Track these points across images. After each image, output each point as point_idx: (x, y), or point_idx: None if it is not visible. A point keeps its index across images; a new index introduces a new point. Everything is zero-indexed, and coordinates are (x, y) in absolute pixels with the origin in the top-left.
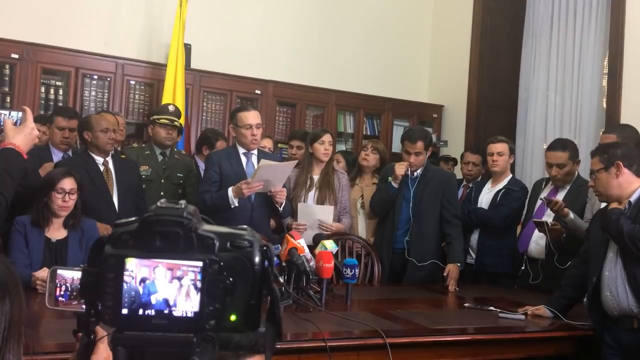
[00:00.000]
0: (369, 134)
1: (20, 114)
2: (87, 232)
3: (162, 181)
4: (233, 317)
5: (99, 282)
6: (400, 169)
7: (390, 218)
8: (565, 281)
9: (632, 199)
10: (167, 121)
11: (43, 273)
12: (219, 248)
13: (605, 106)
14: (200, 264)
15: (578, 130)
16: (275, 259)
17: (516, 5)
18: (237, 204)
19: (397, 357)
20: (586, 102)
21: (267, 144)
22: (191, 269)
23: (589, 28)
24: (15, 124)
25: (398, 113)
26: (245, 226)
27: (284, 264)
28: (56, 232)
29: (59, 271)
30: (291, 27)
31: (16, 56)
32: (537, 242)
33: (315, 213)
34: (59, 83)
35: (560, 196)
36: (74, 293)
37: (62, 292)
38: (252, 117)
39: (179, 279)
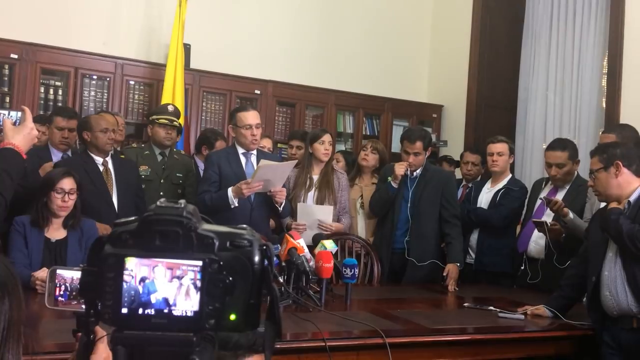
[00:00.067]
0: (368, 134)
1: (19, 113)
2: (87, 232)
3: (162, 181)
4: (233, 317)
5: (98, 281)
6: (399, 169)
7: (389, 218)
8: (564, 281)
9: (632, 198)
10: (166, 121)
11: (42, 273)
12: (219, 247)
13: (604, 106)
14: (199, 263)
15: (577, 130)
16: (274, 258)
17: (516, 6)
18: (236, 204)
19: (396, 357)
20: (585, 102)
21: (267, 143)
22: (191, 268)
23: (588, 28)
24: (14, 123)
25: (397, 113)
26: (244, 225)
27: (283, 263)
28: (56, 232)
29: (58, 271)
30: (291, 27)
31: (15, 56)
32: (537, 241)
33: (315, 213)
34: (58, 83)
35: (559, 196)
36: (74, 293)
37: (61, 292)
38: (251, 117)
39: (179, 278)
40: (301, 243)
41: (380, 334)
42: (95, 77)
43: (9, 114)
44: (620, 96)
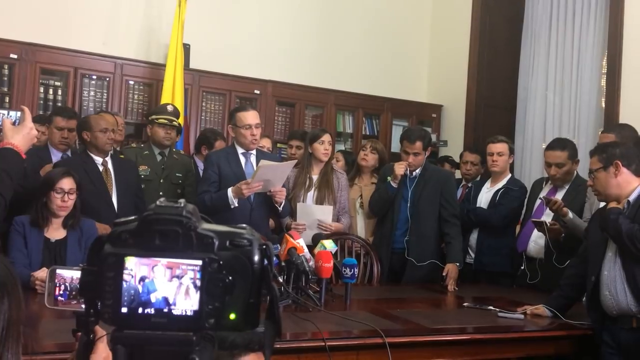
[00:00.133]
0: (368, 133)
1: (18, 113)
2: (86, 232)
3: (161, 181)
4: (232, 316)
5: (98, 281)
6: (399, 168)
7: (389, 218)
8: (564, 281)
9: (631, 198)
10: (165, 121)
11: (42, 273)
12: (218, 247)
13: (604, 106)
14: (199, 262)
15: (577, 130)
16: (274, 258)
17: (515, 5)
18: (236, 204)
19: (396, 357)
20: (585, 102)
21: (266, 143)
22: (190, 268)
23: (587, 28)
24: (13, 123)
25: (397, 113)
26: (244, 225)
27: (283, 263)
28: (55, 232)
29: (58, 271)
30: (290, 27)
31: (15, 56)
32: (536, 241)
33: (315, 213)
34: (57, 83)
35: (559, 196)
36: (73, 292)
37: (61, 292)
38: (251, 117)
39: (179, 277)
40: (301, 243)
41: (379, 334)
42: (94, 77)
43: (8, 114)
44: (620, 96)
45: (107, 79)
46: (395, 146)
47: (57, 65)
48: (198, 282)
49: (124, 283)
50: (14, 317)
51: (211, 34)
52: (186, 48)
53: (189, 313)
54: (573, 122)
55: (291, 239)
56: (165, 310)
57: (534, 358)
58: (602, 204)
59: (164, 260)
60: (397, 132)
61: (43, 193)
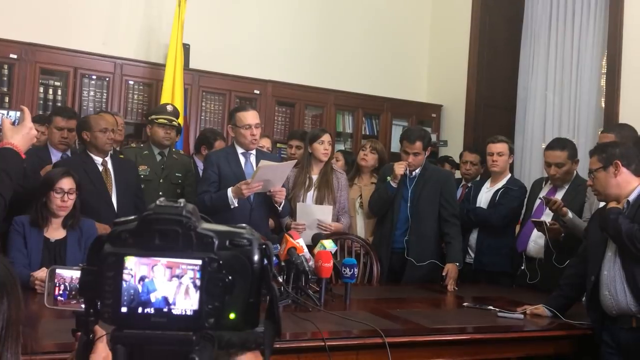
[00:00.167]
0: (367, 133)
1: (18, 113)
2: (86, 232)
3: (161, 181)
4: (232, 316)
5: (98, 280)
6: (399, 168)
7: (389, 218)
8: (563, 280)
9: (631, 198)
10: (165, 121)
11: (42, 273)
12: (218, 246)
13: (603, 106)
14: (199, 262)
15: (577, 130)
16: (274, 258)
17: (515, 5)
18: (236, 205)
19: (396, 357)
20: (584, 102)
21: (265, 143)
22: (190, 268)
23: (587, 28)
24: (13, 123)
25: (397, 113)
26: (244, 225)
27: (282, 263)
28: (55, 232)
29: (57, 270)
30: (290, 27)
31: (14, 56)
32: (536, 241)
33: (314, 213)
34: (57, 83)
35: (559, 195)
36: (73, 292)
37: (60, 292)
38: (251, 117)
39: (178, 277)
40: (300, 243)
41: (379, 334)
42: (94, 77)
43: (7, 114)
44: (619, 96)
45: (107, 79)
46: (395, 146)
47: (56, 65)
48: (198, 282)
49: (123, 283)
50: (14, 317)
51: (211, 34)
52: (186, 48)
53: (188, 313)
54: (573, 122)
55: (291, 239)
56: (165, 309)
57: (533, 358)
58: (602, 204)
59: (164, 260)
60: (396, 132)
61: (43, 193)
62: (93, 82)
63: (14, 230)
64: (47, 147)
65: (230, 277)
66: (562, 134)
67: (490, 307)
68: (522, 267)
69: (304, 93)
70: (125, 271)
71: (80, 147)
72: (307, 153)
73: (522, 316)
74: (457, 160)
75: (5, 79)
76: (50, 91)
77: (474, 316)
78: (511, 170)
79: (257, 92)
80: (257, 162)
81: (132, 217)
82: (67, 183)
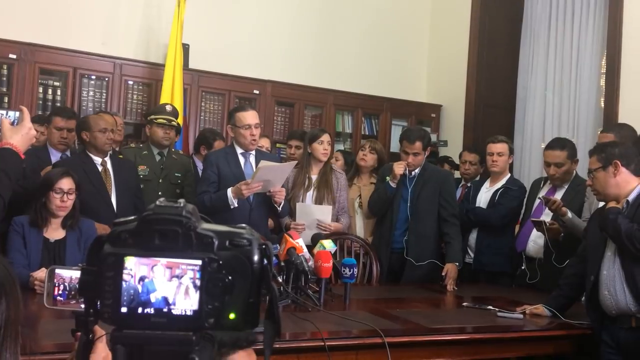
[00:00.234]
0: (367, 133)
1: (17, 113)
2: (86, 232)
3: (160, 181)
4: (232, 316)
5: (98, 280)
6: (398, 168)
7: (388, 218)
8: (563, 280)
9: (630, 198)
10: (164, 121)
11: (41, 273)
12: (218, 247)
13: (603, 105)
14: (199, 262)
15: (576, 130)
16: (274, 258)
17: (514, 5)
18: (236, 205)
19: (395, 357)
20: (584, 102)
21: (265, 143)
22: (190, 268)
23: (586, 28)
24: (12, 123)
25: (396, 113)
26: (244, 225)
27: (282, 263)
28: (54, 232)
29: (57, 270)
30: (289, 27)
31: (14, 56)
32: (536, 241)
33: (314, 213)
34: (56, 83)
35: (558, 195)
36: (72, 292)
37: (60, 292)
38: (250, 117)
39: (178, 277)
40: (300, 243)
41: (379, 334)
42: (93, 77)
43: (7, 114)
44: (619, 95)
45: (106, 79)
46: (395, 146)
47: (56, 65)
48: (198, 282)
49: (123, 283)
50: (12, 317)
51: (210, 34)
52: (185, 48)
53: (188, 313)
54: (572, 122)
55: (290, 239)
56: (165, 310)
57: (533, 358)
58: (601, 204)
59: (164, 260)
60: (396, 132)
61: (42, 193)
62: (92, 82)
63: (13, 231)
64: (46, 147)
65: (230, 277)
66: (562, 133)
67: (490, 307)
68: (523, 267)
69: (304, 93)
70: (125, 271)
71: (79, 147)
72: (306, 153)
73: (521, 316)
74: (456, 160)
75: (5, 79)
76: (50, 91)
77: (474, 316)
78: (510, 170)
79: (256, 92)
80: (257, 162)
81: (132, 217)
82: (66, 183)
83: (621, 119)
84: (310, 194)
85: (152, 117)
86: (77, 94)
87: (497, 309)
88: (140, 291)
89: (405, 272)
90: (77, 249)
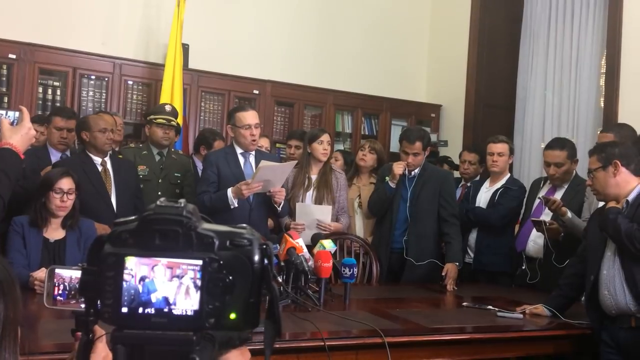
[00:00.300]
0: (367, 133)
1: (17, 113)
2: (85, 232)
3: (160, 181)
4: (233, 316)
5: (98, 280)
6: (397, 168)
7: (388, 218)
8: (563, 280)
9: (630, 197)
10: (163, 121)
11: (41, 273)
12: (219, 246)
13: (602, 105)
14: (199, 262)
15: (576, 130)
16: (274, 258)
17: (514, 5)
18: (236, 205)
19: (395, 356)
20: (584, 102)
21: (264, 143)
22: (191, 268)
23: (586, 28)
24: (12, 123)
25: (396, 113)
26: (244, 225)
27: (282, 263)
28: (54, 232)
29: (57, 270)
30: (289, 27)
31: (13, 56)
32: (535, 241)
33: (314, 213)
34: (56, 83)
35: (558, 195)
36: (72, 292)
37: (60, 291)
38: (250, 117)
39: (179, 277)
40: (300, 243)
41: (379, 334)
42: (93, 77)
43: (6, 114)
44: (619, 95)
45: (106, 79)
46: (395, 146)
47: (55, 65)
48: (198, 282)
49: (124, 283)
50: (11, 317)
51: (210, 33)
52: (185, 48)
53: (189, 313)
54: (572, 122)
55: (290, 239)
56: (166, 310)
57: (533, 357)
58: (601, 204)
59: (164, 260)
60: (396, 132)
61: (42, 193)
62: (92, 82)
63: (13, 231)
64: (46, 147)
65: (230, 277)
66: (562, 133)
67: (490, 307)
68: (523, 267)
69: (303, 93)
70: (125, 271)
71: (79, 147)
72: (306, 153)
73: (521, 316)
74: (456, 160)
75: (4, 79)
76: (50, 91)
77: (474, 316)
78: (510, 170)
79: (256, 92)
80: (257, 162)
81: (133, 217)
82: (66, 183)
83: (621, 119)
84: (310, 194)
85: (152, 117)
86: (77, 94)
87: (496, 309)
88: (140, 291)
89: (405, 272)
90: (76, 249)
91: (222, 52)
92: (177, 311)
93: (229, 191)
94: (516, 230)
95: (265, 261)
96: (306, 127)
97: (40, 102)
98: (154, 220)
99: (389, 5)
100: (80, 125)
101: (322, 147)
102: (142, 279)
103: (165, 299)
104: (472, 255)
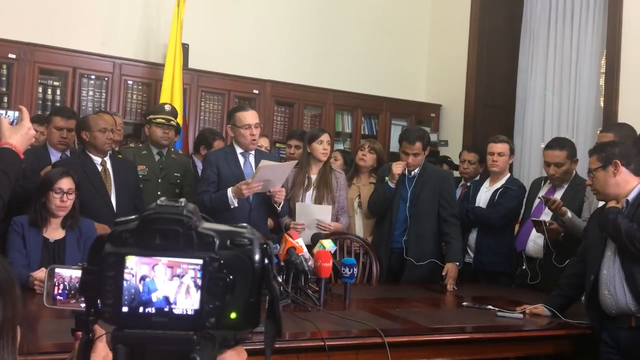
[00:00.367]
0: (366, 133)
1: (16, 113)
2: (85, 232)
3: (159, 181)
4: (233, 315)
5: (98, 280)
6: (397, 168)
7: (387, 218)
8: (563, 280)
9: (630, 197)
10: (163, 121)
11: (41, 273)
12: (219, 246)
13: (602, 105)
14: (200, 261)
15: (576, 129)
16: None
17: (514, 5)
18: (236, 205)
19: (395, 356)
20: (584, 101)
21: (264, 143)
22: (191, 267)
23: (586, 27)
24: (11, 123)
25: (396, 113)
26: (245, 224)
27: (282, 263)
28: (54, 232)
29: (57, 269)
30: (289, 27)
31: (13, 56)
32: (535, 241)
33: (314, 212)
34: (56, 83)
35: (558, 195)
36: (72, 291)
37: (60, 291)
38: (250, 117)
39: (179, 276)
40: (300, 242)
41: (379, 334)
42: (93, 77)
43: (6, 114)
44: (618, 95)
45: (106, 78)
46: (394, 146)
47: (55, 65)
48: (199, 282)
49: (124, 282)
50: (9, 317)
51: (210, 33)
52: (185, 48)
53: (189, 312)
54: (572, 122)
55: (290, 239)
56: (166, 309)
57: (533, 357)
58: (601, 204)
59: (165, 260)
60: (395, 131)
61: (42, 193)
62: (92, 82)
63: (13, 231)
64: (46, 147)
65: (231, 277)
66: (561, 133)
67: (490, 307)
68: (523, 267)
69: (303, 93)
70: (126, 271)
71: (79, 147)
72: (306, 153)
73: (521, 316)
74: (456, 160)
75: (4, 79)
76: (49, 91)
77: (474, 316)
78: (510, 169)
79: (256, 91)
80: (256, 162)
81: (133, 216)
82: (66, 183)
83: (621, 119)
84: (310, 194)
85: (151, 116)
86: (77, 93)
87: (496, 309)
88: (141, 291)
89: (405, 272)
90: (76, 249)
91: (222, 52)
92: (177, 311)
93: (229, 191)
94: (516, 230)
95: (266, 261)
96: (306, 127)
97: (40, 102)
98: (155, 220)
99: (389, 5)
100: (80, 125)
101: (322, 147)
102: (143, 278)
103: (166, 299)
104: (472, 255)
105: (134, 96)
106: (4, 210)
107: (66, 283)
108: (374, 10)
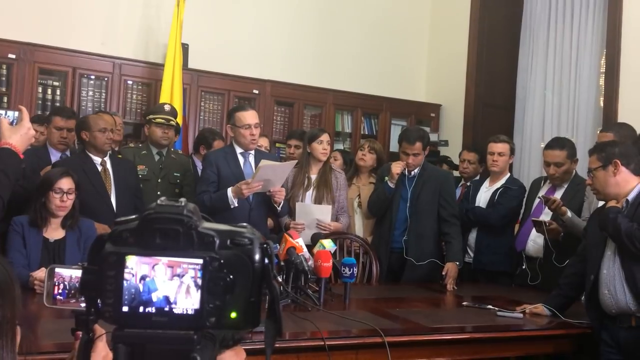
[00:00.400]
0: (366, 133)
1: (16, 113)
2: (85, 232)
3: (159, 180)
4: (233, 315)
5: (99, 279)
6: (396, 168)
7: (387, 217)
8: (563, 280)
9: (630, 197)
10: (162, 120)
11: (41, 273)
12: (219, 245)
13: (602, 105)
14: (200, 261)
15: (575, 129)
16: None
17: (514, 5)
18: (236, 204)
19: (395, 356)
20: (583, 101)
21: (264, 143)
22: (191, 267)
23: (586, 27)
24: (11, 123)
25: (396, 112)
26: (245, 224)
27: (282, 263)
28: (54, 232)
29: (57, 269)
30: (289, 27)
31: (13, 56)
32: (535, 240)
33: (313, 212)
34: (56, 83)
35: (558, 195)
36: (72, 291)
37: (60, 291)
38: (250, 116)
39: (180, 276)
40: (300, 242)
41: (379, 333)
42: (93, 77)
43: (6, 114)
44: (618, 95)
45: (106, 78)
46: (394, 145)
47: (55, 65)
48: (199, 281)
49: (124, 282)
50: (8, 317)
51: (210, 33)
52: (185, 48)
53: (189, 312)
54: (572, 121)
55: (290, 239)
56: (166, 309)
57: (533, 357)
58: (601, 203)
59: (165, 259)
60: (395, 131)
61: (42, 193)
62: (92, 82)
63: (13, 231)
64: (46, 147)
65: (231, 276)
66: (561, 133)
67: (490, 307)
68: (523, 267)
69: (303, 93)
70: (126, 270)
71: (79, 147)
72: (305, 153)
73: (521, 315)
74: (456, 159)
75: (4, 79)
76: (49, 91)
77: (474, 315)
78: (510, 169)
79: (256, 91)
80: (256, 161)
81: (133, 216)
82: (66, 183)
83: (620, 119)
84: (310, 194)
85: (151, 116)
86: (77, 93)
87: (496, 309)
88: (141, 290)
89: (405, 272)
90: (76, 249)
91: (222, 52)
92: (177, 310)
93: (229, 191)
94: (516, 230)
95: (266, 260)
96: (306, 127)
97: (40, 102)
98: (155, 220)
99: (389, 5)
100: (80, 125)
101: (321, 146)
102: (143, 278)
103: (166, 298)
104: (472, 255)
105: (134, 96)
106: (4, 210)
107: (66, 283)
108: (374, 10)
